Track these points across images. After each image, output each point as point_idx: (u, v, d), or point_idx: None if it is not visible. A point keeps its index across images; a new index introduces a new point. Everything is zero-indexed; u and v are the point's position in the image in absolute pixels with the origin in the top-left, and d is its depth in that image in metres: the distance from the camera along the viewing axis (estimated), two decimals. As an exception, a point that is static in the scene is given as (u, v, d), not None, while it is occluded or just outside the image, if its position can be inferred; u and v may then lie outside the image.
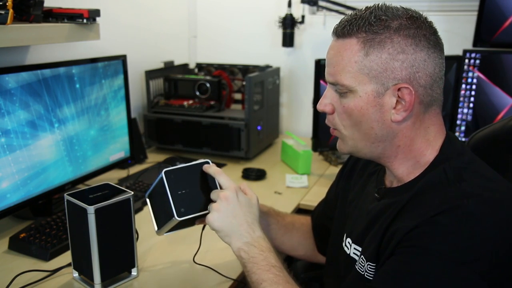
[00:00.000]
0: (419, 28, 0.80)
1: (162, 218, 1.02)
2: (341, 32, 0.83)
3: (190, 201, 0.97)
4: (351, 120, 0.85)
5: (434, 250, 0.73)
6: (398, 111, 0.81)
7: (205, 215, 0.97)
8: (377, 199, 0.91)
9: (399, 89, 0.80)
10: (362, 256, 0.89)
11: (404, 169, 0.87)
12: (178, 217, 0.94)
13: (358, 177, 1.05)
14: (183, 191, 0.96)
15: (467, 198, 0.74)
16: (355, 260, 0.93)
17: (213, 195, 0.96)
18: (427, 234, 0.74)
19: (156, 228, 1.05)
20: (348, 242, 0.97)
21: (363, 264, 0.87)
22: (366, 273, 0.86)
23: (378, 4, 0.83)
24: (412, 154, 0.85)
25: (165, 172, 0.95)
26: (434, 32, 0.82)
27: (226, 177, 0.97)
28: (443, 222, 0.73)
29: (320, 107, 0.89)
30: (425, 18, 0.83)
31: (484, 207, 0.73)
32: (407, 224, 0.77)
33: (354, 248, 0.94)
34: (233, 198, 0.94)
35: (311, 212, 1.24)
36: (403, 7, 0.83)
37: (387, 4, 0.83)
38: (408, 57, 0.79)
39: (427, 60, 0.80)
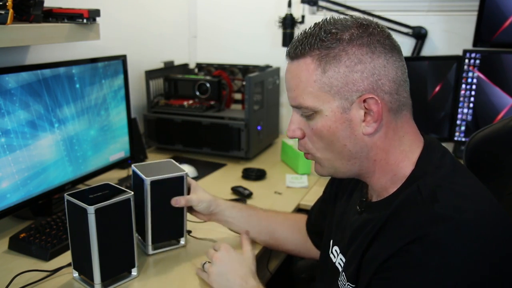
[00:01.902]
0: (371, 35, 0.78)
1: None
2: (294, 53, 0.81)
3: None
4: (323, 142, 0.82)
5: (405, 283, 0.72)
6: (368, 123, 0.79)
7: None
8: (359, 213, 0.90)
9: (364, 101, 0.77)
10: (343, 272, 0.88)
11: (382, 184, 0.84)
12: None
13: (348, 182, 1.02)
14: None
15: (437, 224, 0.71)
16: (338, 271, 0.92)
17: (209, 255, 1.10)
18: (399, 266, 0.73)
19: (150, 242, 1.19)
20: (335, 251, 0.96)
21: (344, 283, 0.87)
22: None
23: (327, 18, 0.81)
24: (390, 167, 0.83)
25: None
26: (387, 36, 0.80)
27: (220, 244, 1.12)
28: (413, 253, 0.71)
29: (289, 134, 0.87)
30: (376, 24, 0.80)
31: (454, 234, 0.70)
32: (383, 252, 0.76)
33: (340, 259, 0.93)
34: (225, 258, 1.06)
35: (310, 209, 1.24)
36: (352, 17, 0.81)
37: (336, 17, 0.81)
38: (366, 66, 0.77)
39: (386, 66, 0.78)
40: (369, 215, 0.86)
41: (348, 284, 0.86)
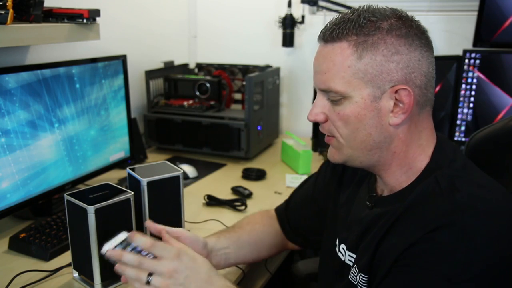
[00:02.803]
0: (410, 28, 0.78)
1: None
2: (329, 36, 0.79)
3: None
4: (348, 128, 0.82)
5: (432, 269, 0.72)
6: (396, 114, 0.79)
7: None
8: (369, 208, 0.90)
9: (396, 91, 0.78)
10: (355, 265, 0.88)
11: (397, 177, 0.85)
12: None
13: (351, 178, 1.02)
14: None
15: (462, 212, 0.72)
16: (349, 267, 0.92)
17: (155, 267, 0.79)
18: (424, 253, 0.73)
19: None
20: (343, 249, 0.95)
21: (356, 274, 0.87)
22: (358, 283, 0.86)
23: (364, 6, 0.81)
24: (407, 161, 0.83)
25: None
26: (423, 31, 0.80)
27: (160, 245, 0.82)
28: (440, 240, 0.72)
29: (311, 117, 0.85)
30: (413, 18, 0.81)
31: (479, 221, 0.72)
32: (403, 241, 0.76)
33: (349, 255, 0.93)
34: (178, 268, 0.80)
35: (285, 209, 1.21)
36: (389, 8, 0.81)
37: (374, 6, 0.81)
38: (403, 57, 0.77)
39: (421, 60, 0.78)
40: (382, 209, 0.85)
41: (360, 275, 0.85)
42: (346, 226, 0.97)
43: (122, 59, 1.65)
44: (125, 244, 0.82)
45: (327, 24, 0.82)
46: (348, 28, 0.78)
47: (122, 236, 0.84)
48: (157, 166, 1.23)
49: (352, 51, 0.78)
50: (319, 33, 0.83)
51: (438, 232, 0.72)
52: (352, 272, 0.88)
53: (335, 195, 1.05)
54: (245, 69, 2.16)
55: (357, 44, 0.77)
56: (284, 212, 1.19)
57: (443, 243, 0.72)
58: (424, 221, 0.75)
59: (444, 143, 0.85)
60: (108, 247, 0.82)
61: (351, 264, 0.92)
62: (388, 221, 0.81)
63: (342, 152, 0.85)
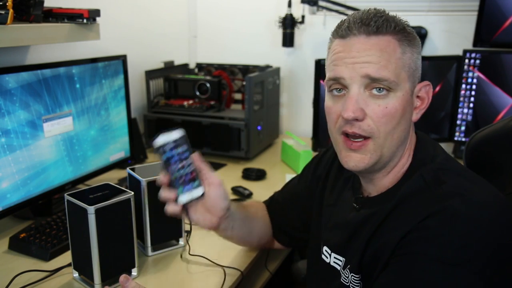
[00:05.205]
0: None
1: None
2: (375, 28, 0.79)
3: None
4: (392, 123, 0.78)
5: (428, 254, 0.72)
6: (417, 109, 0.83)
7: None
8: (356, 209, 0.89)
9: (421, 88, 0.83)
10: (347, 268, 0.88)
11: (386, 179, 0.86)
12: None
13: (334, 179, 1.02)
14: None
15: (452, 199, 0.74)
16: (337, 270, 0.91)
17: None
18: (419, 239, 0.74)
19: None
20: (326, 251, 0.95)
21: (347, 275, 0.87)
22: (351, 284, 0.86)
23: (383, 10, 0.84)
24: (395, 160, 0.84)
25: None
26: None
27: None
28: (433, 225, 0.73)
29: (351, 114, 0.77)
30: None
31: (469, 206, 0.73)
32: (396, 234, 0.76)
33: (335, 258, 0.93)
34: None
35: (274, 196, 1.22)
36: None
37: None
38: (420, 57, 0.83)
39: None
40: (370, 210, 0.86)
41: (352, 275, 0.85)
42: (329, 228, 0.97)
43: (122, 59, 1.65)
44: (174, 144, 0.88)
45: (365, 17, 0.80)
46: (390, 25, 0.80)
47: (176, 134, 0.89)
48: (157, 166, 1.23)
49: (398, 45, 0.80)
50: (343, 27, 0.81)
51: (430, 219, 0.73)
52: (343, 275, 0.89)
53: (319, 198, 1.05)
54: (245, 69, 2.16)
55: (402, 40, 0.81)
56: (276, 219, 1.19)
57: (435, 227, 0.73)
58: (415, 212, 0.76)
59: (424, 140, 0.87)
60: (160, 142, 0.86)
61: (338, 267, 0.91)
62: (377, 221, 0.82)
63: (376, 153, 0.80)
